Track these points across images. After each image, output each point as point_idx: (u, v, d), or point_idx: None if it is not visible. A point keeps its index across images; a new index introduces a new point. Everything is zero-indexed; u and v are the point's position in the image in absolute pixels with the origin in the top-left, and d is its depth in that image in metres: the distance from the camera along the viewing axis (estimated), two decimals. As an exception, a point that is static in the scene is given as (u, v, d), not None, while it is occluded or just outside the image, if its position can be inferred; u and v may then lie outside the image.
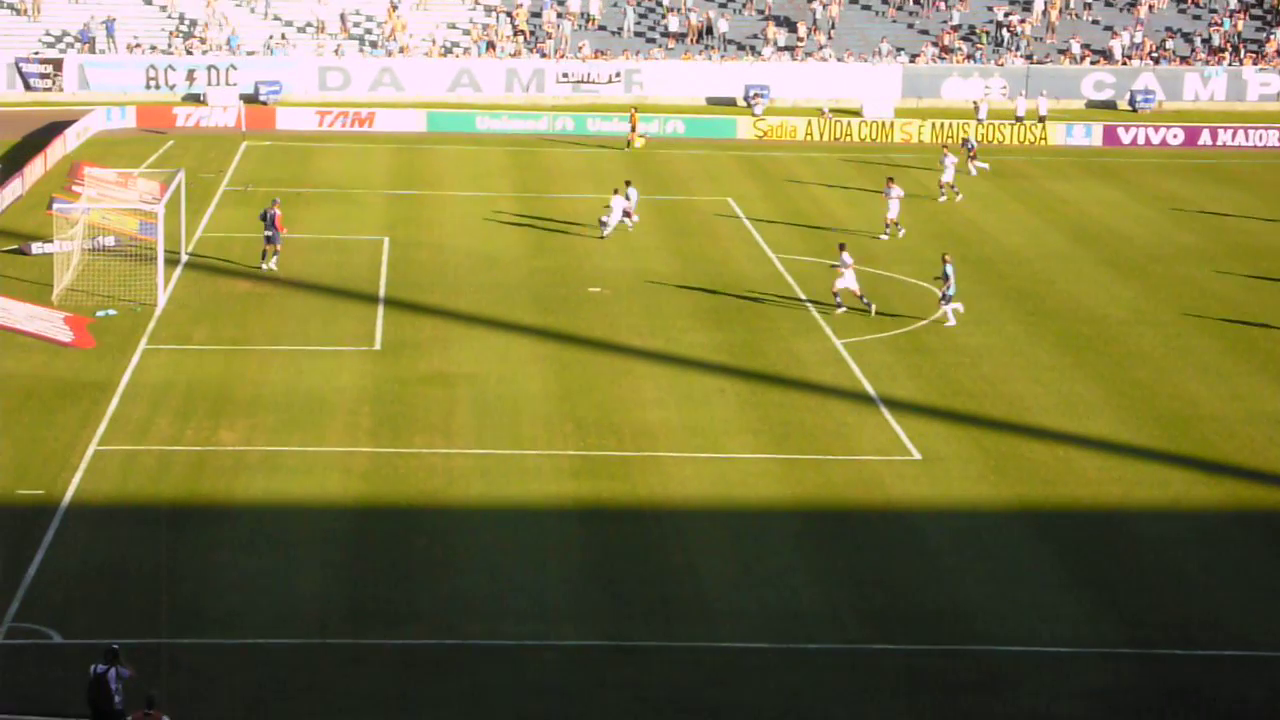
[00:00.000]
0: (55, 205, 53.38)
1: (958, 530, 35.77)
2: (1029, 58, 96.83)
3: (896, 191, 62.94)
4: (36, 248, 54.98)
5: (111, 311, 48.99)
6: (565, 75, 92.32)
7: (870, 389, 44.29)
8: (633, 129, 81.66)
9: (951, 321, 49.84)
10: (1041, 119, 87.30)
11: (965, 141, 72.20)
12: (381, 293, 52.37)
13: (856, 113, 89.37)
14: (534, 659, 29.55)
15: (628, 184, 61.47)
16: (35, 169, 67.26)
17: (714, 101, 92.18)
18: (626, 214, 59.77)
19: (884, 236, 61.71)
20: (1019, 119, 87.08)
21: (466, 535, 35.00)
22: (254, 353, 46.07)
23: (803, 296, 53.07)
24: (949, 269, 50.37)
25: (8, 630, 29.94)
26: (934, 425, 41.47)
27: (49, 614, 30.64)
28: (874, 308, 50.87)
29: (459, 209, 65.70)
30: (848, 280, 51.00)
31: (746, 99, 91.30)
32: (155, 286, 50.56)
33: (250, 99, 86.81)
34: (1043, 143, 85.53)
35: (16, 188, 63.64)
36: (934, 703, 28.58)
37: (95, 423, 39.90)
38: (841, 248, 52.21)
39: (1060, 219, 66.02)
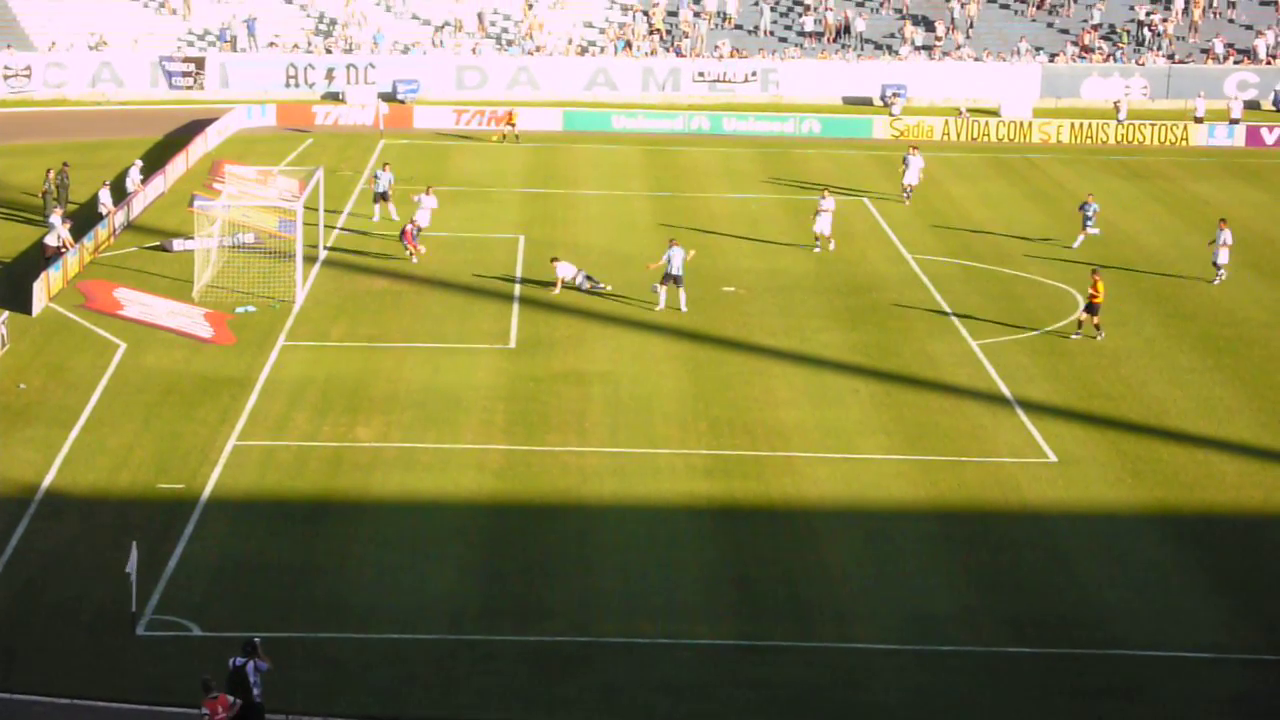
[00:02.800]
0: (196, 202, 54.05)
1: (1094, 534, 35.43)
2: (1170, 57, 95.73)
3: (917, 162, 67.00)
4: (178, 244, 55.67)
5: (251, 308, 49.52)
6: (701, 74, 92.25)
7: (1006, 390, 43.97)
8: (509, 124, 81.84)
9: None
10: (1198, 119, 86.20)
11: (1084, 206, 61.59)
12: (517, 291, 52.59)
13: (994, 112, 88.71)
14: (666, 657, 29.59)
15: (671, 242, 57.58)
16: (177, 166, 68.12)
17: (850, 101, 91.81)
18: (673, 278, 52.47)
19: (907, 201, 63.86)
20: (1199, 119, 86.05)
21: (600, 533, 35.08)
22: (390, 350, 46.42)
23: (938, 297, 52.75)
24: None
25: (148, 623, 30.35)
26: (1070, 428, 41.12)
27: (189, 607, 31.03)
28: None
29: (594, 208, 65.87)
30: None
31: (883, 98, 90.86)
32: (294, 283, 51.06)
33: (388, 97, 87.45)
34: (1184, 143, 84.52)
35: (159, 185, 64.49)
36: (1068, 707, 28.34)
37: (234, 418, 40.35)
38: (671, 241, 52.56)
39: (1201, 220, 65.17)
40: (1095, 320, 48.30)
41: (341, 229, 59.70)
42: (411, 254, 54.52)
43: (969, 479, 37.95)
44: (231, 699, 25.71)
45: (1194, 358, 47.43)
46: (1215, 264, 55.63)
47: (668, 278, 50.51)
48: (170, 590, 31.52)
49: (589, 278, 52.52)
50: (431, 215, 57.87)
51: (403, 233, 55.28)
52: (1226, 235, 55.48)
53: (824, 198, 59.09)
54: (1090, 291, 48.52)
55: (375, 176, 61.41)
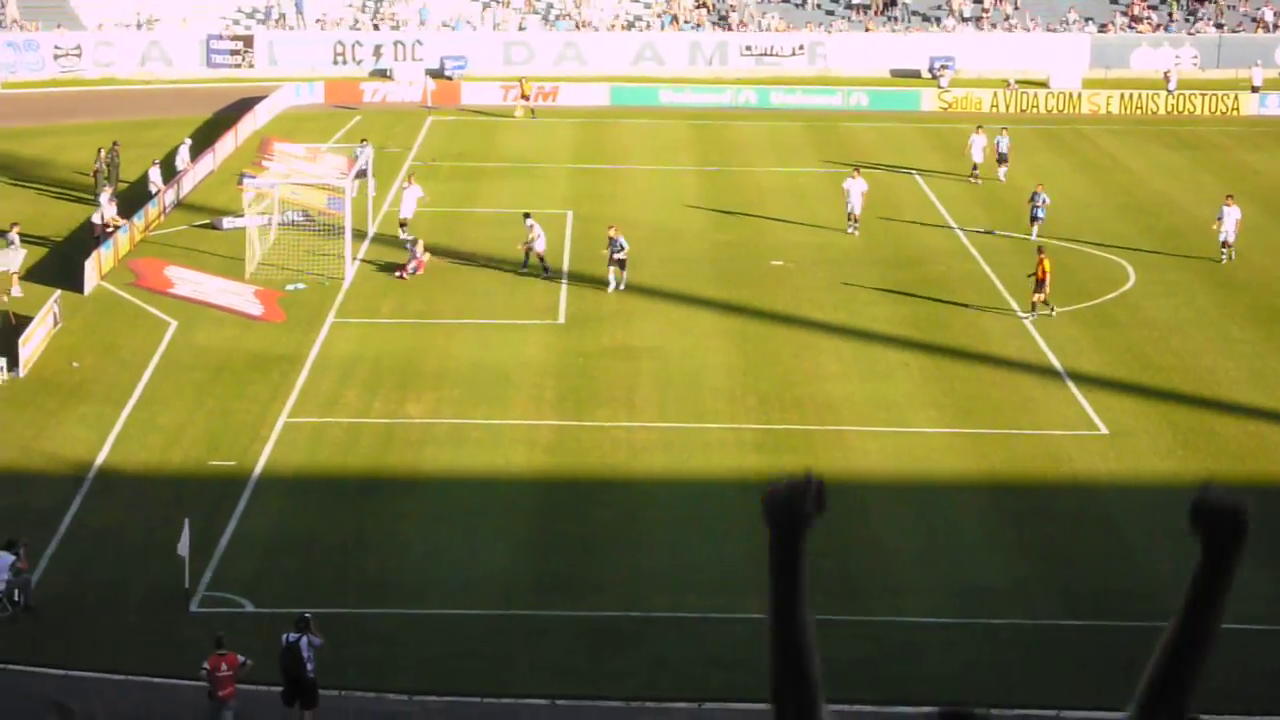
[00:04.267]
0: (245, 180, 54.25)
1: (1146, 506, 35.31)
2: (1220, 26, 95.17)
3: (980, 140, 66.03)
4: (227, 222, 55.88)
5: (300, 285, 49.71)
6: (749, 48, 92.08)
7: (1056, 363, 43.85)
8: (522, 97, 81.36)
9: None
10: (1255, 89, 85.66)
11: (1034, 196, 56.92)
12: (565, 266, 52.62)
13: (1043, 84, 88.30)
14: (717, 632, 29.65)
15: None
16: (226, 145, 68.35)
17: (898, 74, 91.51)
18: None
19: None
20: (1256, 88, 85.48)
21: (650, 508, 35.15)
22: (440, 326, 46.54)
23: (988, 270, 52.60)
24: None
25: (202, 599, 30.54)
26: (1121, 400, 41.00)
27: (241, 583, 31.23)
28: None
29: (642, 183, 65.84)
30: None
31: (931, 71, 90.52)
32: (343, 261, 51.21)
33: (436, 74, 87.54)
34: (1235, 113, 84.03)
35: (208, 163, 64.73)
36: (1122, 679, 28.29)
37: (285, 395, 40.53)
38: (526, 216, 52.59)
39: (1252, 190, 64.75)
40: (1043, 296, 47.48)
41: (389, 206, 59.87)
42: (403, 274, 51.69)
43: (1020, 452, 37.88)
44: (241, 659, 25.89)
45: (1245, 328, 47.21)
46: (1222, 242, 53.82)
47: (613, 262, 50.25)
48: (223, 567, 31.71)
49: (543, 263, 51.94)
50: (417, 204, 56.43)
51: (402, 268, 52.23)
52: (1233, 212, 53.62)
53: (854, 177, 58.28)
54: (1037, 271, 47.58)
55: (355, 154, 60.07)
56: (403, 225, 55.00)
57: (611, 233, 50.57)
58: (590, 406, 40.40)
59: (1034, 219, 56.10)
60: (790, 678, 4.38)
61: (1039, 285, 47.29)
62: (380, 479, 36.18)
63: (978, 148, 65.83)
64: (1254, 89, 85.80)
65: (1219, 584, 4.42)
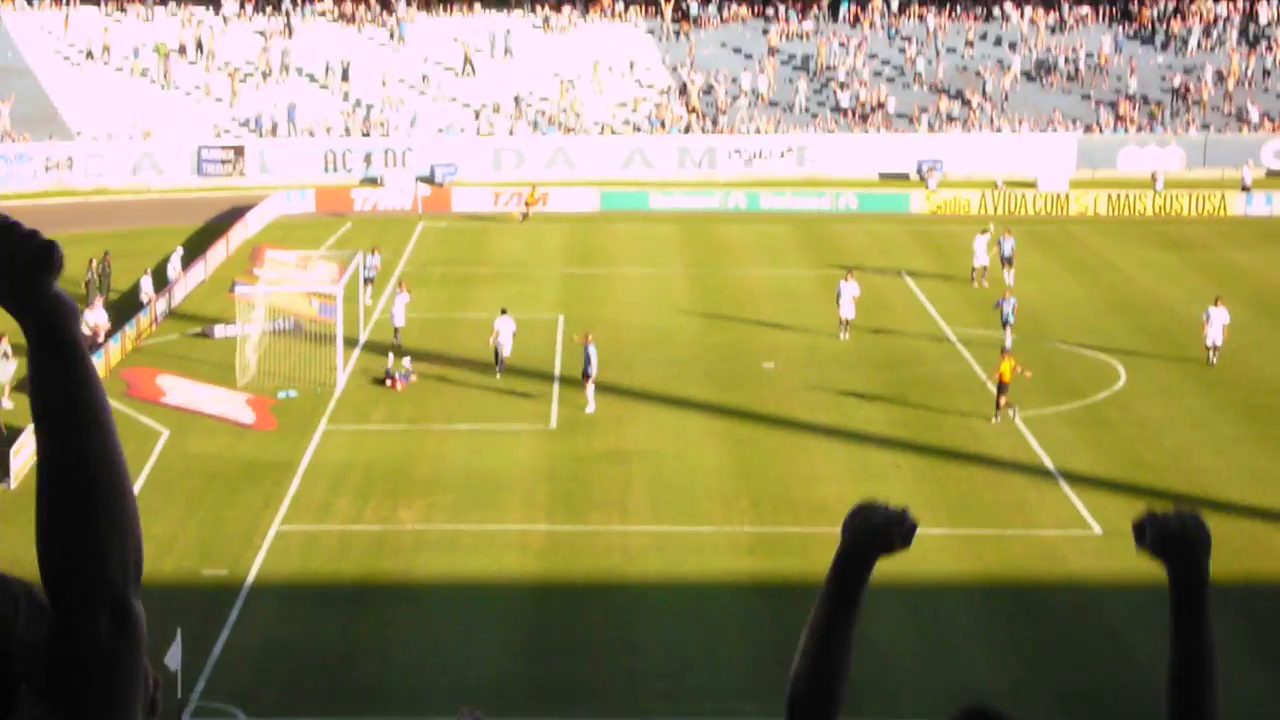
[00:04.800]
0: (236, 288, 54.32)
1: (1141, 606, 35.15)
2: (1206, 126, 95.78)
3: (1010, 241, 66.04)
4: (219, 331, 55.96)
5: (292, 393, 49.71)
6: (737, 151, 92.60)
7: (1049, 462, 43.85)
8: (527, 203, 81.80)
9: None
10: (1245, 188, 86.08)
11: (1001, 303, 56.60)
12: (557, 371, 52.65)
13: (1031, 185, 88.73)
14: (713, 737, 29.49)
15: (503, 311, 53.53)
16: (217, 253, 68.53)
17: (886, 176, 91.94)
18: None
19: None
20: (1246, 187, 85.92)
21: (644, 612, 35.03)
22: (431, 432, 46.52)
23: (979, 370, 52.67)
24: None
25: (195, 709, 30.36)
26: (1115, 499, 40.96)
27: (234, 693, 31.05)
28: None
29: (633, 286, 66.01)
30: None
31: (919, 173, 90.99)
32: (335, 367, 51.24)
33: (427, 180, 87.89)
34: (1222, 213, 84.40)
35: (200, 272, 64.88)
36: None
37: (277, 503, 40.45)
38: (502, 311, 52.33)
39: (1240, 289, 64.99)
40: (1004, 399, 47.22)
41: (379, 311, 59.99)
42: (394, 384, 51.23)
43: (1014, 552, 37.82)
44: None
45: (1237, 427, 47.25)
46: (1210, 345, 53.21)
47: (584, 375, 48.69)
48: (216, 676, 31.54)
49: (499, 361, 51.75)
50: (406, 311, 56.31)
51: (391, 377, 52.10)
52: (1221, 314, 53.07)
53: (846, 280, 58.20)
54: (998, 374, 47.23)
55: (366, 262, 60.36)
56: (396, 333, 55.10)
57: (581, 340, 49.61)
58: (583, 510, 40.35)
59: (1005, 323, 55.24)
60: (819, 690, 4.45)
61: (1002, 388, 47.07)
62: (373, 586, 36.06)
63: (981, 249, 65.68)
64: (1244, 188, 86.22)
65: (1199, 600, 4.37)
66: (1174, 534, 4.41)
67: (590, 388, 48.32)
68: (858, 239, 76.58)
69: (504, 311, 53.10)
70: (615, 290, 65.30)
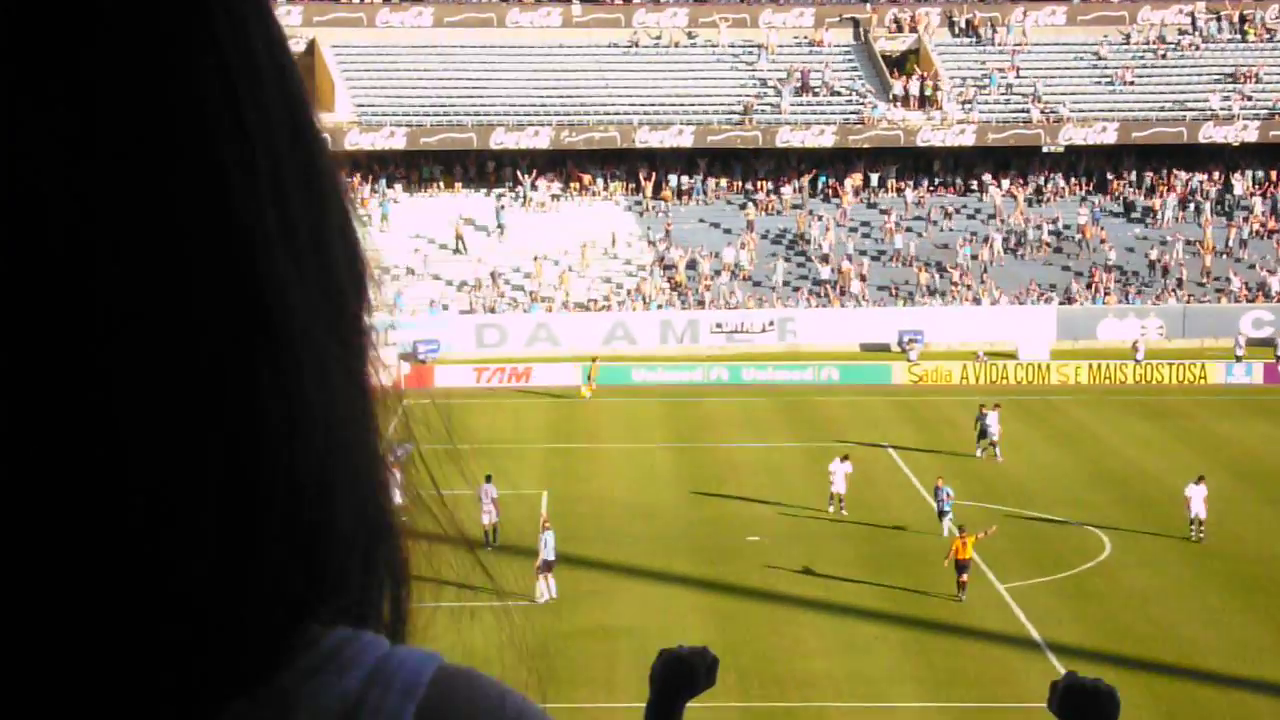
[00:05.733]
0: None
1: (1131, 778, 34.93)
2: (1186, 297, 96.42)
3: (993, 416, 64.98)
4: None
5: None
6: (719, 325, 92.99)
7: (1035, 634, 43.67)
8: (589, 379, 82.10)
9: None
10: (1238, 358, 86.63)
11: (938, 490, 54.84)
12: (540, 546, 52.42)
13: (1012, 355, 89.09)
14: None
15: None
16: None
17: (867, 348, 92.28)
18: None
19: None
20: (1239, 357, 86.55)
21: (630, 791, 34.68)
22: (416, 611, 46.12)
23: (964, 541, 52.57)
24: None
25: None
26: (1102, 670, 40.44)
27: None
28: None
29: (616, 461, 66.03)
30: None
31: (900, 344, 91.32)
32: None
33: (409, 357, 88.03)
34: (1202, 382, 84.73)
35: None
36: None
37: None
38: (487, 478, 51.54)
39: (1224, 458, 65.16)
40: (965, 578, 46.58)
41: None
42: None
43: (1002, 725, 37.56)
44: None
45: (1223, 597, 47.12)
46: (1193, 520, 52.71)
47: (544, 564, 47.10)
48: None
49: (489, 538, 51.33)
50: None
51: None
52: (1200, 490, 52.59)
53: (841, 460, 58.11)
54: (952, 553, 46.66)
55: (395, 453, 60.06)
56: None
57: (544, 523, 48.34)
58: (568, 688, 40.00)
59: (941, 514, 53.44)
60: None
61: (962, 567, 46.52)
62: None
63: (994, 424, 65.40)
64: (1237, 358, 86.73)
65: None
66: (1086, 698, 4.49)
67: (545, 580, 46.66)
68: (840, 411, 76.73)
69: (489, 479, 53.06)
70: (599, 465, 65.30)
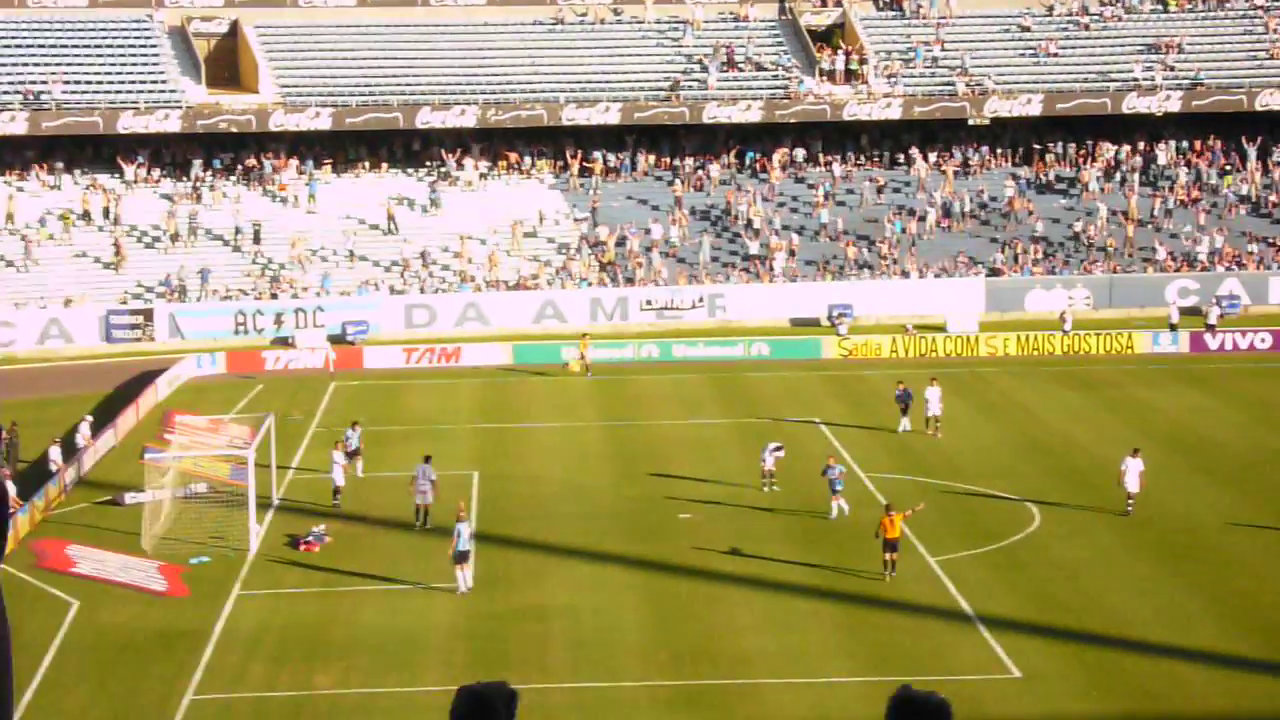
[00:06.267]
0: (147, 454, 53.92)
1: (1063, 749, 35.18)
2: (1113, 267, 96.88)
3: (935, 391, 64.74)
4: (129, 498, 55.41)
5: (205, 559, 49.22)
6: (649, 302, 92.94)
7: (967, 606, 43.84)
8: (582, 353, 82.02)
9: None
10: (1172, 326, 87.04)
11: (827, 469, 53.81)
12: (473, 527, 52.26)
13: (941, 327, 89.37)
14: None
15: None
16: (127, 419, 68.03)
17: (797, 322, 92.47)
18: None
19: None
20: (1210, 326, 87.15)
21: (564, 772, 34.67)
22: (347, 594, 46.08)
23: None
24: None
25: None
26: (1033, 641, 40.96)
27: None
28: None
29: (547, 440, 65.93)
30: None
31: (830, 318, 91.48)
32: (247, 532, 50.79)
33: (338, 339, 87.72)
34: (1129, 352, 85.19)
35: (109, 438, 64.32)
36: None
37: (190, 672, 39.89)
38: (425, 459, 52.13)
39: (1151, 427, 65.61)
40: (894, 556, 46.48)
41: (296, 468, 59.60)
42: (308, 546, 50.74)
43: (934, 699, 37.65)
44: None
45: (1152, 566, 47.43)
46: (1127, 494, 52.68)
47: (458, 555, 45.77)
48: None
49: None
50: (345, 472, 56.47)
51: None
52: (1136, 464, 52.60)
53: (777, 446, 57.51)
54: (885, 530, 46.31)
55: (345, 438, 59.45)
56: (336, 492, 54.99)
57: (459, 513, 46.87)
58: (502, 669, 39.90)
59: (834, 491, 52.95)
60: None
61: (890, 545, 46.35)
62: (289, 754, 35.58)
63: (934, 400, 65.40)
64: (1171, 326, 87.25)
65: None
66: (918, 710, 4.53)
67: (461, 571, 45.70)
68: (770, 386, 76.84)
69: (427, 459, 53.04)
70: (530, 444, 65.20)
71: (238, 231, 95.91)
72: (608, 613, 44.03)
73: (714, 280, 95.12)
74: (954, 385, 74.16)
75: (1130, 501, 52.52)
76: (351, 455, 58.27)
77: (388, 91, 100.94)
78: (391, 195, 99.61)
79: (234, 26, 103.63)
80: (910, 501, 51.14)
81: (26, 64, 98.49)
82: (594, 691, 38.38)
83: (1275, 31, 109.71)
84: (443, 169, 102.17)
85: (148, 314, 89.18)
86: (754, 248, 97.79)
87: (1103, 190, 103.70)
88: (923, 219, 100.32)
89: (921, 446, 62.88)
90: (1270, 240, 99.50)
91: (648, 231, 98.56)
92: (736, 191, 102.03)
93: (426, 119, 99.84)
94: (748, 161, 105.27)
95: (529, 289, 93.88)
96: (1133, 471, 52.55)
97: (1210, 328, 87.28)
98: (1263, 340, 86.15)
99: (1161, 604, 43.99)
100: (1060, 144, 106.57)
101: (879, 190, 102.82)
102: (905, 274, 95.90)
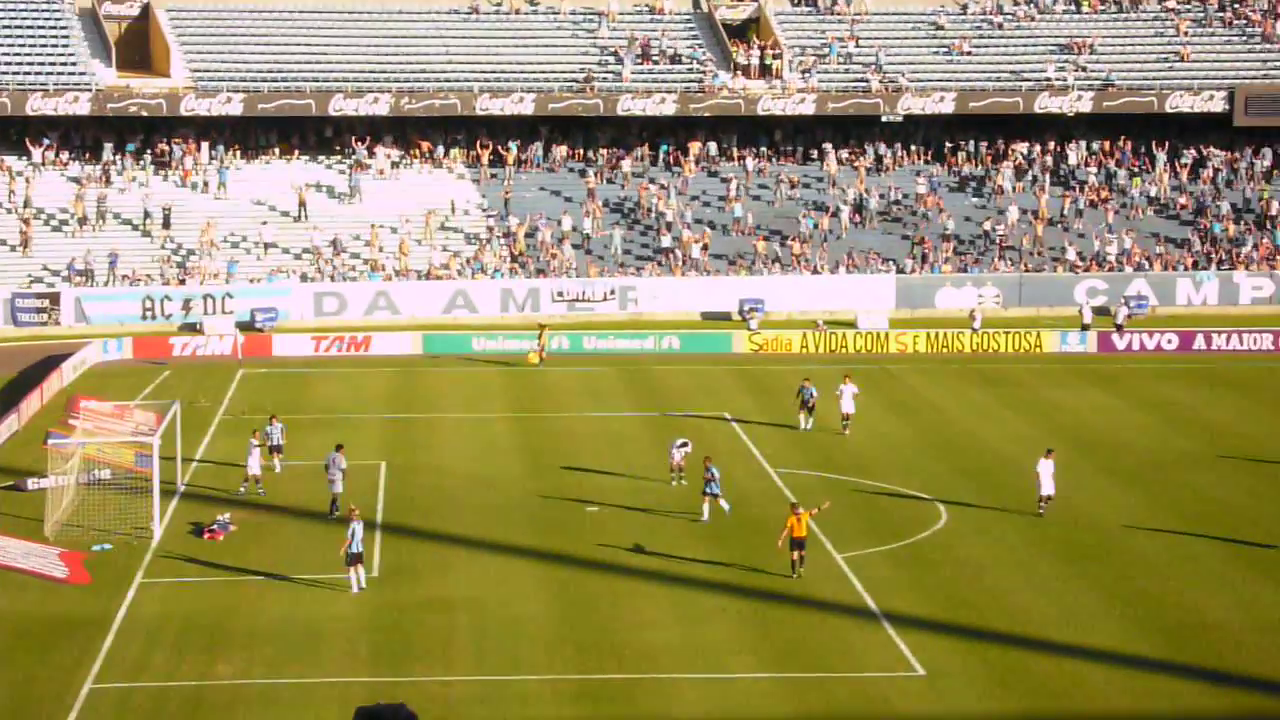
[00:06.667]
0: (50, 440, 53.35)
1: (965, 747, 35.25)
2: (1023, 266, 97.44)
3: (850, 389, 64.57)
4: (32, 483, 54.81)
5: (107, 546, 48.71)
6: (560, 294, 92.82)
7: (872, 604, 43.88)
8: (540, 344, 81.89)
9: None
10: (1085, 326, 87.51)
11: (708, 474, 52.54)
12: (379, 518, 52.05)
13: (851, 324, 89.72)
14: None
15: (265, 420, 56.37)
16: (31, 404, 67.30)
17: (709, 316, 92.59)
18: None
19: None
20: (1118, 326, 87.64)
21: (467, 766, 34.48)
22: (250, 583, 45.69)
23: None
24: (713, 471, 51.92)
25: None
26: (937, 640, 41.04)
27: None
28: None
29: (455, 431, 65.67)
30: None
31: (741, 313, 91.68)
32: (151, 519, 50.31)
33: (246, 326, 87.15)
34: (1038, 350, 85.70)
35: (12, 423, 63.61)
36: None
37: (90, 660, 39.45)
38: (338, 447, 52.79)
39: (1057, 427, 65.99)
40: (801, 554, 46.17)
41: (200, 461, 59.15)
42: (212, 535, 50.20)
43: (838, 695, 37.70)
44: None
45: (1056, 565, 47.62)
46: (1042, 497, 52.62)
47: (350, 556, 44.72)
48: (24, 843, 30.61)
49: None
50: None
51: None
52: (1049, 466, 52.53)
53: (683, 443, 57.29)
54: (786, 532, 45.91)
55: (267, 432, 58.61)
56: (257, 481, 54.59)
57: (352, 512, 46.08)
58: (405, 662, 39.73)
59: (705, 494, 52.07)
60: None
61: (798, 543, 46.07)
62: (189, 744, 35.24)
63: (848, 397, 65.24)
64: (1083, 326, 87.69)
65: None
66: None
67: (355, 571, 44.75)
68: (681, 380, 76.84)
69: (339, 448, 52.80)
70: (437, 435, 64.93)
71: (147, 216, 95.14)
72: (513, 605, 43.84)
73: (626, 273, 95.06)
74: (864, 382, 74.30)
75: (1042, 503, 52.66)
76: (273, 450, 57.62)
77: (300, 78, 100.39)
78: (303, 182, 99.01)
79: (145, 9, 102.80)
80: (817, 499, 51.19)
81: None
82: (498, 684, 38.18)
83: (1186, 34, 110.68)
84: (355, 157, 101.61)
85: (54, 298, 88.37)
86: (666, 241, 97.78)
87: (1014, 189, 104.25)
88: (835, 215, 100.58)
89: (830, 443, 63.01)
90: (1178, 241, 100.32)
91: (559, 223, 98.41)
92: (649, 185, 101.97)
93: (339, 106, 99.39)
94: (661, 155, 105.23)
95: (440, 279, 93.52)
96: (1045, 474, 52.65)
97: (1118, 328, 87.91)
98: (1169, 341, 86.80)
99: (1065, 603, 44.16)
100: (972, 142, 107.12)
101: (792, 186, 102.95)
102: (816, 270, 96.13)
